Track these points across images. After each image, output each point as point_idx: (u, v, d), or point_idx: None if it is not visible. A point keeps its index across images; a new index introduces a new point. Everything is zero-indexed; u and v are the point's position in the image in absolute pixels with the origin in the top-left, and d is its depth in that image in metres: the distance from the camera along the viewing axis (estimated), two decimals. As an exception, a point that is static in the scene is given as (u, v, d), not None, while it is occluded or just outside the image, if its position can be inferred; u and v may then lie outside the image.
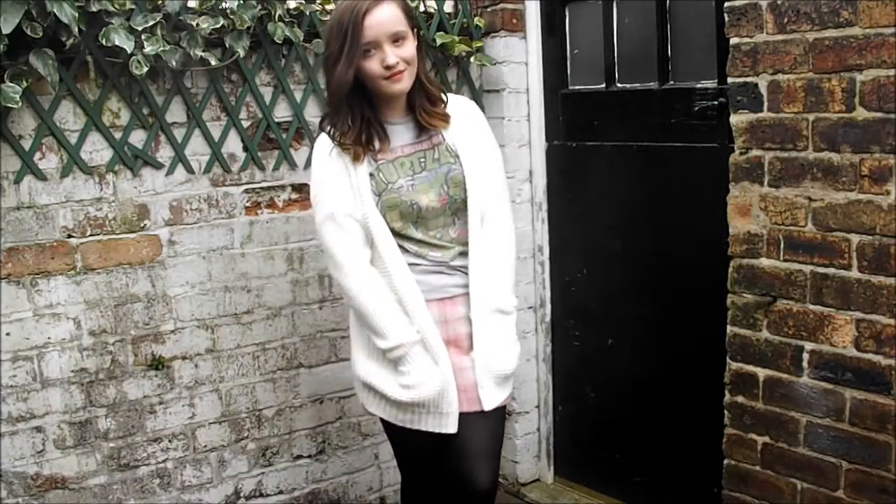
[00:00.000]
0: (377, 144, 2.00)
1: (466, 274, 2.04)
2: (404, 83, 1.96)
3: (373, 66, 1.92)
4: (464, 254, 2.04)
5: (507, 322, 2.07)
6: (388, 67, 1.91)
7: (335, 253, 2.00)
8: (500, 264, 2.06)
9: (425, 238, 2.02)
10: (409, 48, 1.95)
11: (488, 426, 2.06)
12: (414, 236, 2.02)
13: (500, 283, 2.05)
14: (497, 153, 2.14)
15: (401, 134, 2.04)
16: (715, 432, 2.50)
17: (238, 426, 2.68)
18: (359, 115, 1.97)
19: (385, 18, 1.91)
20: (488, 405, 2.03)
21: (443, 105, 2.06)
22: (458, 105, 2.11)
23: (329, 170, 2.00)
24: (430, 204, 2.00)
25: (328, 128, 2.01)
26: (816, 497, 2.27)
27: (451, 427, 2.01)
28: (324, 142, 2.03)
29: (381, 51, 1.91)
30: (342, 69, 1.91)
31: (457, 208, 2.03)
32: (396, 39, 1.92)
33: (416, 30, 1.99)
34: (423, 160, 2.02)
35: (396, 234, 2.00)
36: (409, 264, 2.01)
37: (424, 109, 2.03)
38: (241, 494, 2.71)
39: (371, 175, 1.99)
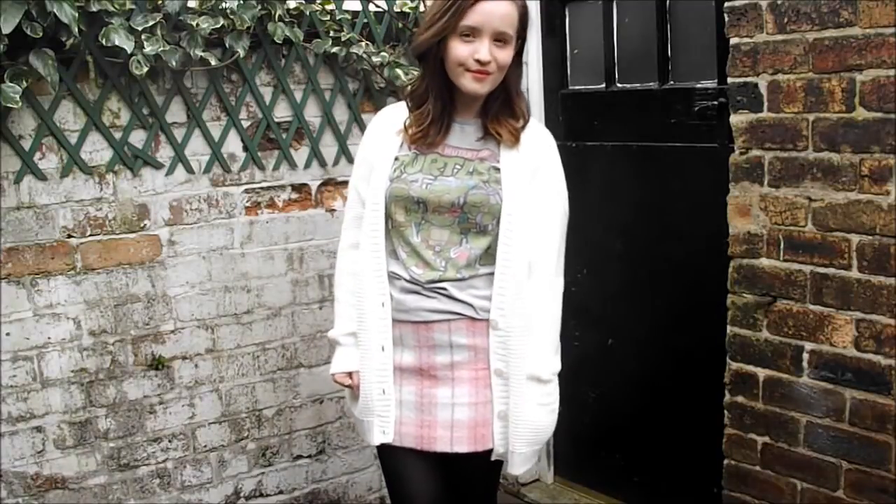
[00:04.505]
0: (431, 138, 1.87)
1: (449, 297, 1.86)
2: (484, 87, 1.81)
3: (463, 51, 1.77)
4: (453, 280, 1.86)
5: (542, 390, 1.88)
6: (478, 61, 1.77)
7: (343, 223, 2.06)
8: (542, 324, 1.88)
9: (420, 247, 1.87)
10: (507, 54, 1.80)
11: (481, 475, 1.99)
12: (411, 240, 1.87)
13: (539, 347, 1.87)
14: (561, 201, 1.92)
15: (457, 134, 1.90)
16: (715, 432, 2.50)
17: (238, 426, 2.68)
18: (439, 102, 1.85)
19: (499, 12, 1.77)
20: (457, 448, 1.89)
21: (521, 123, 1.89)
22: (536, 135, 1.92)
23: (368, 142, 1.99)
24: (438, 207, 1.84)
25: (407, 98, 1.93)
26: (816, 497, 2.27)
27: (371, 438, 1.95)
28: (389, 108, 2.03)
29: (480, 42, 1.77)
30: (429, 34, 1.80)
31: (467, 228, 1.86)
32: (500, 39, 1.78)
33: (520, 41, 1.84)
34: (458, 166, 1.86)
35: (397, 231, 1.89)
36: (392, 275, 1.89)
37: (497, 117, 1.87)
38: (241, 494, 2.71)
39: (396, 158, 1.89)
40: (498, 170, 1.86)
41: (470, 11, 1.75)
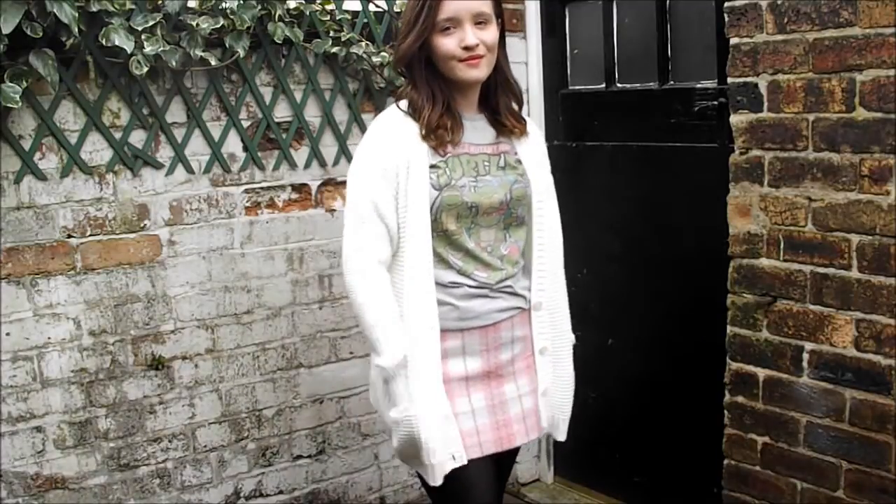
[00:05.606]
0: (451, 135, 1.82)
1: (512, 294, 1.90)
2: (481, 70, 1.81)
3: (449, 45, 1.77)
4: (513, 276, 1.90)
5: (570, 353, 2.05)
6: (466, 48, 1.76)
7: (348, 247, 1.82)
8: (565, 296, 2.02)
9: (476, 251, 1.85)
10: (492, 34, 1.80)
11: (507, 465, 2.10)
12: (466, 245, 1.84)
13: (568, 316, 2.03)
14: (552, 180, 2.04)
15: (471, 131, 1.88)
16: (715, 432, 2.50)
17: (238, 426, 2.68)
18: (440, 101, 1.81)
19: None
20: (532, 436, 1.97)
21: (519, 108, 1.94)
22: (531, 125, 2.00)
23: (385, 152, 1.80)
24: (488, 209, 1.83)
25: (407, 107, 1.85)
26: (816, 497, 2.27)
27: (442, 470, 1.82)
28: (390, 116, 1.86)
29: (462, 30, 1.76)
30: (410, 40, 1.78)
31: (509, 223, 1.89)
32: (480, 22, 1.78)
33: (499, 20, 1.84)
34: (486, 164, 1.87)
35: (448, 240, 1.83)
36: (449, 285, 1.83)
37: (510, 109, 1.90)
38: (241, 494, 2.71)
39: (434, 167, 1.81)
40: (521, 161, 1.93)
41: (443, 5, 1.77)
